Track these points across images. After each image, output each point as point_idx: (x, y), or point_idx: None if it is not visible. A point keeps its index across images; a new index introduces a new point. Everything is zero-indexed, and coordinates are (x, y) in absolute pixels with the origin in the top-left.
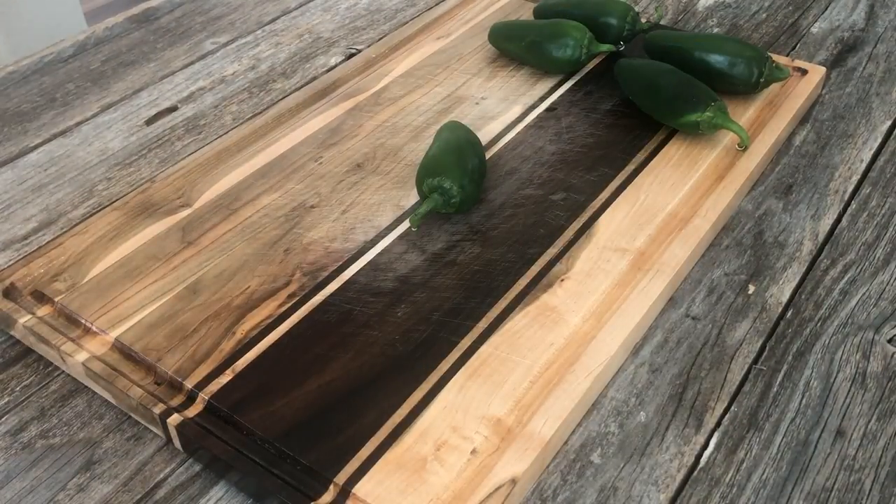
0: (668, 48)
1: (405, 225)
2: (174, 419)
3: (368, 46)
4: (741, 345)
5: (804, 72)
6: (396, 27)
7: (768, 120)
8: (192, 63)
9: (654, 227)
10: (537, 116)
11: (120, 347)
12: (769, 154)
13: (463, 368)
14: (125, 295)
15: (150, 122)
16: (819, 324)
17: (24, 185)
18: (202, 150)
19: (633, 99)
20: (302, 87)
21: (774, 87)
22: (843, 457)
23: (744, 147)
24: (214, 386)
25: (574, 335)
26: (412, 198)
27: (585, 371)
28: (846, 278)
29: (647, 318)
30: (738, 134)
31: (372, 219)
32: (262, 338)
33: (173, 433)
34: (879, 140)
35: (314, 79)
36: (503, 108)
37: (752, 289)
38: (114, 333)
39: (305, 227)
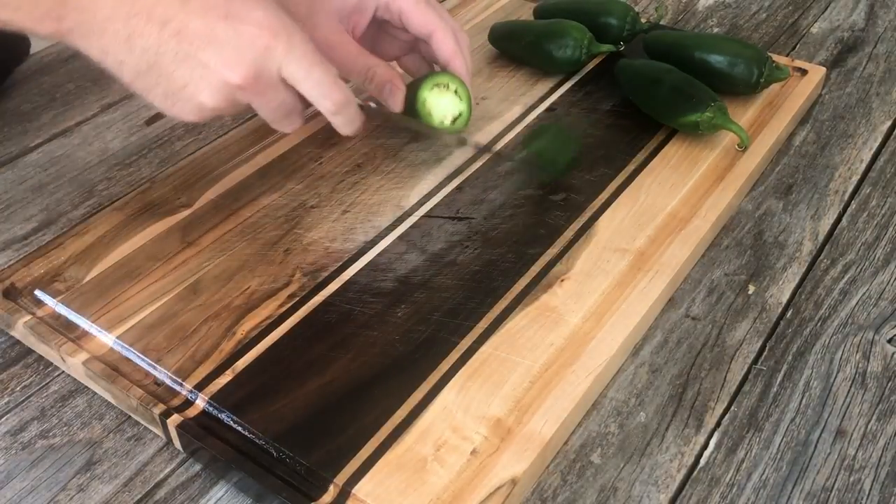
0: (668, 48)
1: (405, 225)
2: (174, 419)
3: None
4: (741, 345)
5: (804, 72)
6: None
7: (768, 120)
8: None
9: (653, 227)
10: (537, 117)
11: (120, 348)
12: (769, 154)
13: (463, 369)
14: (125, 295)
15: (150, 122)
16: (819, 324)
17: (24, 185)
18: (202, 150)
19: (633, 99)
20: None
21: (774, 87)
22: (843, 457)
23: (744, 147)
24: (214, 386)
25: (574, 335)
26: (412, 198)
27: (585, 371)
28: (846, 278)
29: (647, 319)
30: (738, 134)
31: (372, 219)
32: (263, 338)
33: (173, 433)
34: (879, 140)
35: None
36: (503, 108)
37: (752, 289)
38: (114, 333)
39: (305, 227)
